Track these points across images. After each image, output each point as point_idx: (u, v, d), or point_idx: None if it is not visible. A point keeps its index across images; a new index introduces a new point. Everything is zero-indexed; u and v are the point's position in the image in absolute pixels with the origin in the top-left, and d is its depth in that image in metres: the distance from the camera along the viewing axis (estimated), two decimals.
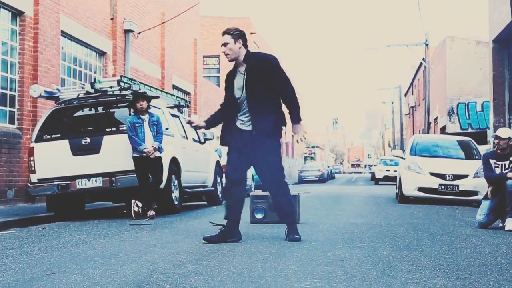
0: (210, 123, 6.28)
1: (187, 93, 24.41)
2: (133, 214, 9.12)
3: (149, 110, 9.42)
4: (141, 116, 9.25)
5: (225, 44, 5.96)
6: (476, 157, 14.03)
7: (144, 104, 9.24)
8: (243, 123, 5.98)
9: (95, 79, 10.17)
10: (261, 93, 5.88)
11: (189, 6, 21.48)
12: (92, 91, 9.89)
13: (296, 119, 5.90)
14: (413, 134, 39.93)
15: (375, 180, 37.86)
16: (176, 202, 10.26)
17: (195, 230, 7.21)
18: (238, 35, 5.96)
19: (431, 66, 32.77)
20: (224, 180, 14.47)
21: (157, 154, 9.27)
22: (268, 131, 5.89)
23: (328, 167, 57.49)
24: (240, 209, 6.07)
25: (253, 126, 5.89)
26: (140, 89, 10.05)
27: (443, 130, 30.68)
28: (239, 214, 6.08)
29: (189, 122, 6.26)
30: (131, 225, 8.12)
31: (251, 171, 20.23)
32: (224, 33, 6.01)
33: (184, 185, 10.81)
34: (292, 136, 6.63)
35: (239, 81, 5.99)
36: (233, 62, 6.09)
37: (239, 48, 5.95)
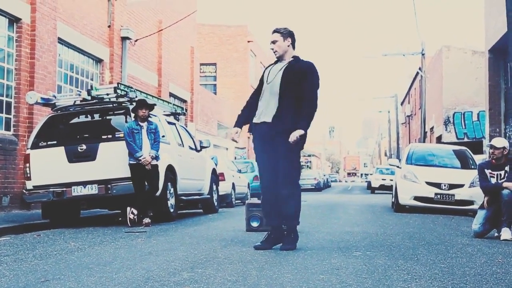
0: (241, 123, 6.24)
1: (184, 101, 24.43)
2: (128, 222, 9.10)
3: (148, 118, 9.44)
4: (140, 123, 9.26)
5: (274, 42, 6.03)
6: (472, 167, 14.05)
7: (146, 112, 9.27)
8: (257, 116, 5.97)
9: (91, 86, 10.17)
10: (293, 92, 5.86)
11: (186, 14, 21.52)
12: (89, 98, 9.89)
13: (303, 124, 5.80)
14: (409, 143, 40.02)
15: (371, 189, 37.88)
16: (171, 210, 10.24)
17: (190, 238, 7.19)
18: (288, 34, 6.05)
19: (427, 76, 32.86)
20: (220, 188, 14.47)
21: (154, 162, 9.27)
22: (290, 126, 5.82)
23: (324, 175, 57.46)
24: (279, 214, 6.00)
25: (277, 115, 5.84)
26: (136, 97, 10.06)
27: (439, 140, 30.75)
28: (279, 219, 6.02)
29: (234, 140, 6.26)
30: (126, 232, 8.10)
31: (247, 179, 20.26)
32: (274, 31, 6.07)
33: (180, 192, 10.80)
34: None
35: (275, 70, 5.99)
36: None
37: (288, 46, 6.03)
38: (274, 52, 6.05)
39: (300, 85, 5.89)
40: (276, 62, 6.14)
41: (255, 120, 6.03)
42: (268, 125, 5.89)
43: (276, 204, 5.97)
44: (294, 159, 5.96)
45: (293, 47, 6.09)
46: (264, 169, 6.00)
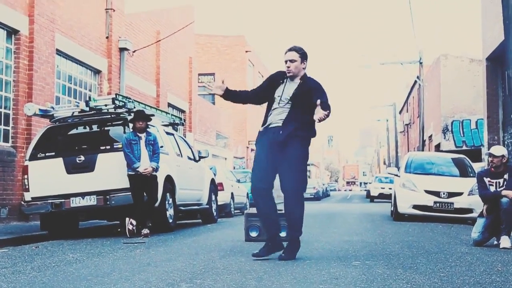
0: (231, 94, 6.17)
1: (182, 111, 24.46)
2: (127, 233, 9.08)
3: (147, 129, 9.44)
4: (138, 134, 9.26)
5: (292, 61, 5.95)
6: (471, 175, 14.04)
7: (143, 124, 9.27)
8: (265, 125, 5.94)
9: (89, 97, 10.18)
10: (304, 108, 5.83)
11: (184, 25, 21.58)
12: (87, 109, 9.89)
13: (325, 105, 5.68)
14: (408, 151, 40.02)
15: (370, 197, 37.85)
16: (170, 220, 10.22)
17: (189, 249, 7.18)
18: (305, 56, 6.02)
19: (425, 84, 32.94)
20: (218, 198, 14.45)
21: (153, 172, 9.26)
22: (299, 133, 5.82)
23: (323, 184, 57.43)
24: (276, 222, 5.99)
25: (286, 122, 5.82)
26: (134, 107, 10.07)
27: (437, 148, 30.75)
28: (276, 228, 6.02)
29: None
30: (125, 243, 8.08)
31: (246, 189, 20.24)
32: (292, 49, 6.00)
33: (178, 203, 10.78)
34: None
35: (289, 89, 5.95)
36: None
37: (303, 68, 6.01)
38: (288, 72, 5.96)
39: (311, 99, 5.82)
40: (285, 80, 6.03)
41: (262, 128, 6.00)
42: (278, 129, 5.86)
43: (272, 213, 5.96)
44: (302, 169, 5.92)
45: (304, 69, 6.07)
46: (261, 169, 5.91)
